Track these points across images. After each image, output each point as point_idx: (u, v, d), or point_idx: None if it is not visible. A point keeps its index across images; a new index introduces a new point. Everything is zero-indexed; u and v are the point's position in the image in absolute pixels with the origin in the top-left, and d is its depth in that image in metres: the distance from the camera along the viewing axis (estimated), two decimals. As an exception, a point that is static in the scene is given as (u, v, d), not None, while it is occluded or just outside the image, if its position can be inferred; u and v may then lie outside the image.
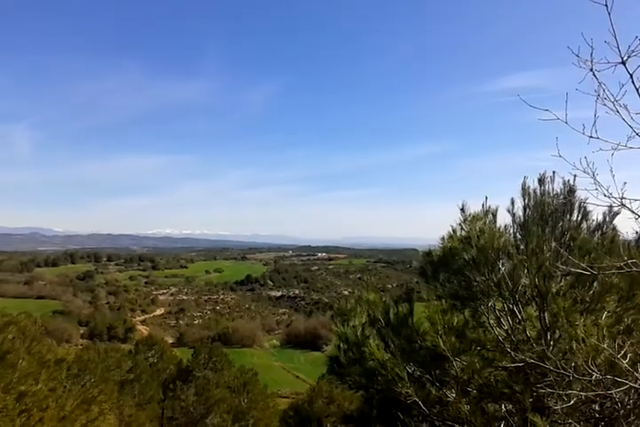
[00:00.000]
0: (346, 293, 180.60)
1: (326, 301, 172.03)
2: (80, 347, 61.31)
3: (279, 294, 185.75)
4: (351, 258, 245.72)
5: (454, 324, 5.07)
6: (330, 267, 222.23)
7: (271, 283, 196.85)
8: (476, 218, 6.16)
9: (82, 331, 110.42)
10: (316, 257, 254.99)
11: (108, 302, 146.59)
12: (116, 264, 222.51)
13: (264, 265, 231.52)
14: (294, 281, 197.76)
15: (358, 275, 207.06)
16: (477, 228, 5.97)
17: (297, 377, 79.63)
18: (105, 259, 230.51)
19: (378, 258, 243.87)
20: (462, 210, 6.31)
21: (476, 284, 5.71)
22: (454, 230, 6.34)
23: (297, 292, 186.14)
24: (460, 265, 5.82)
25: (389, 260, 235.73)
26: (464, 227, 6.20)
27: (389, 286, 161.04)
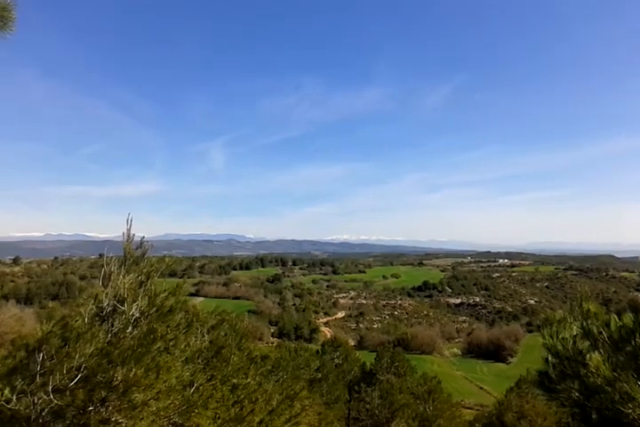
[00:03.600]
0: (532, 302, 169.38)
1: (510, 310, 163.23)
2: (271, 345, 65.99)
3: (458, 301, 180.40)
4: (537, 265, 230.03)
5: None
6: (513, 274, 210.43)
7: (449, 289, 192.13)
8: None
9: (272, 330, 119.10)
10: (497, 263, 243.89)
11: (294, 304, 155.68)
12: (300, 268, 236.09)
13: (441, 271, 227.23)
14: (474, 288, 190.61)
15: (546, 283, 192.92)
16: None
17: (480, 388, 76.52)
18: (290, 263, 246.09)
19: (568, 265, 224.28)
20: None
21: None
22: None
23: (477, 299, 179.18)
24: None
25: (581, 267, 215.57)
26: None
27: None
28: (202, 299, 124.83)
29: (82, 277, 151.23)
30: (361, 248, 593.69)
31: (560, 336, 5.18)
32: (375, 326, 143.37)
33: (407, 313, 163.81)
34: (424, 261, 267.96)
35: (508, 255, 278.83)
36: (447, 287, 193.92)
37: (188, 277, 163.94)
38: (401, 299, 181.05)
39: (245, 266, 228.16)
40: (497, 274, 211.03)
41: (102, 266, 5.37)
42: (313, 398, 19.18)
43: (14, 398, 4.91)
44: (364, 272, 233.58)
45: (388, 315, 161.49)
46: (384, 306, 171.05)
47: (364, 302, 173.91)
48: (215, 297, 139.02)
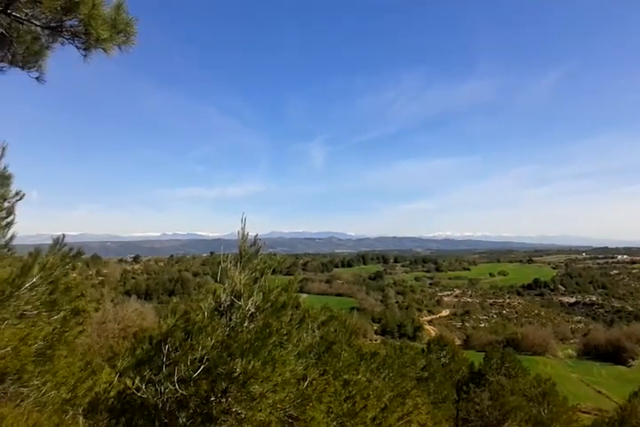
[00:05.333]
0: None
1: (630, 309, 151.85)
2: (375, 342, 66.12)
3: (573, 300, 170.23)
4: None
5: None
6: (634, 271, 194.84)
7: (563, 288, 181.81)
8: None
9: (375, 327, 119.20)
10: (615, 260, 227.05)
11: (397, 302, 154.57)
12: (402, 266, 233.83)
13: (553, 269, 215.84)
14: (590, 286, 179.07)
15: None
16: None
17: (599, 392, 71.67)
18: (392, 260, 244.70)
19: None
20: None
21: None
22: None
23: (594, 298, 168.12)
24: None
25: None
26: None
27: None
28: (306, 295, 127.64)
29: (195, 274, 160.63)
30: (465, 245, 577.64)
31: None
32: (482, 325, 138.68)
33: (516, 312, 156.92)
34: (534, 258, 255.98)
35: (627, 251, 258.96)
36: (560, 285, 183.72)
37: (292, 275, 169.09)
38: (509, 297, 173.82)
39: (347, 263, 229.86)
40: (615, 271, 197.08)
41: (219, 263, 5.66)
42: (422, 397, 18.95)
43: (143, 387, 5.32)
44: (468, 269, 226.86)
45: (496, 314, 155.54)
46: (491, 305, 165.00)
47: (469, 300, 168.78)
48: (318, 294, 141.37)
